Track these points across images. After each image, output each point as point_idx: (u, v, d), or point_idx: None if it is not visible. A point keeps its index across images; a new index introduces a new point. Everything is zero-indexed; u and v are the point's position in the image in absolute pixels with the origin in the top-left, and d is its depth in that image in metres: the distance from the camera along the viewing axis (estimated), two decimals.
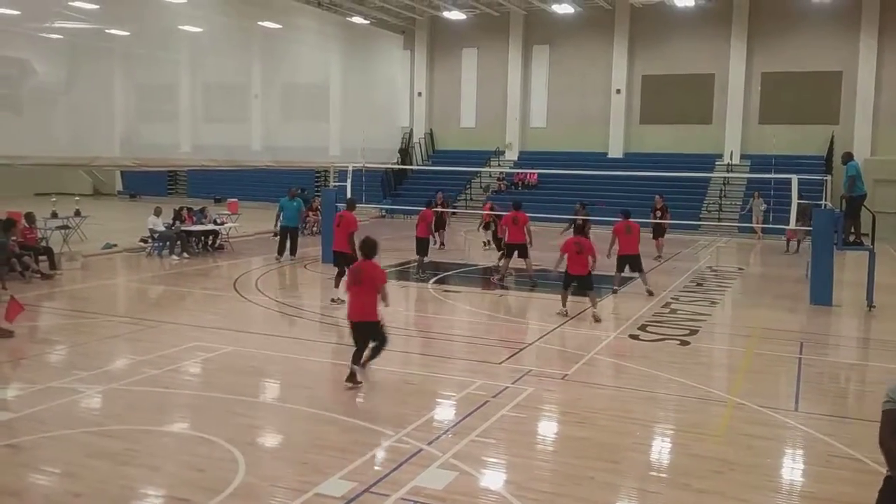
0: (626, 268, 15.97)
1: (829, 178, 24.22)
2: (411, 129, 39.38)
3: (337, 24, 30.11)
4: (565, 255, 13.59)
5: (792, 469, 7.27)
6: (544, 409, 8.64)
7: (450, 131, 39.43)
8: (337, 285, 14.08)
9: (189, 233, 20.77)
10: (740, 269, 20.83)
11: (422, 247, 18.21)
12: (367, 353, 9.04)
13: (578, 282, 13.44)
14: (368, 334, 9.04)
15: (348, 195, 19.88)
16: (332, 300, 14.08)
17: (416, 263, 18.25)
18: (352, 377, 9.03)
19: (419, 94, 39.60)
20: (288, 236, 20.10)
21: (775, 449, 7.60)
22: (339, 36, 29.11)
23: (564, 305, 13.52)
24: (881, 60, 31.08)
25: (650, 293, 15.57)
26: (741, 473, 6.81)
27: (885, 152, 30.57)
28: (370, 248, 9.26)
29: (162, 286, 17.02)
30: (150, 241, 20.64)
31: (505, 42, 37.42)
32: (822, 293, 14.94)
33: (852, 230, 15.35)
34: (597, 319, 13.02)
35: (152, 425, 7.78)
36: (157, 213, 20.45)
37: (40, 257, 17.06)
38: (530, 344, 11.62)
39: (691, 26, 33.79)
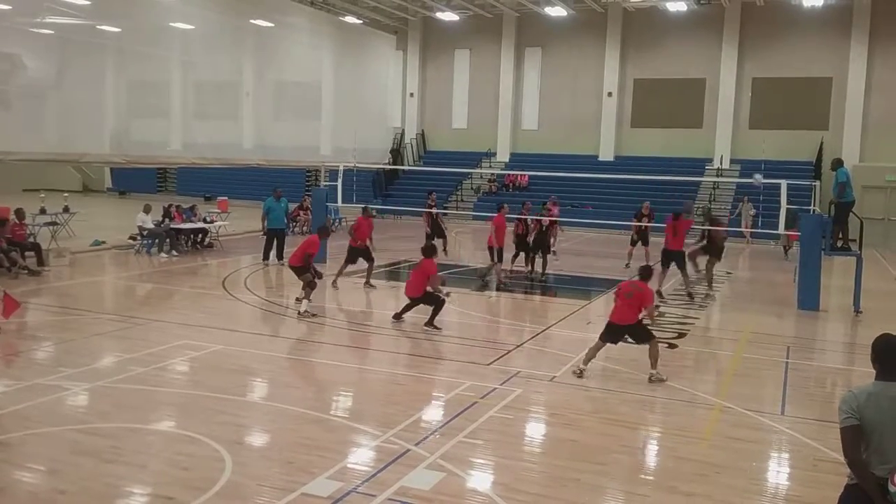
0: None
1: (818, 183, 24.32)
2: (403, 130, 39.37)
3: (330, 23, 30.04)
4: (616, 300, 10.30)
5: (778, 473, 7.31)
6: (532, 410, 8.65)
7: (441, 132, 39.44)
8: (308, 297, 13.21)
9: (178, 231, 20.69)
10: (728, 273, 20.90)
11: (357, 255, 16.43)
12: (430, 315, 12.34)
13: (628, 332, 10.07)
14: (418, 303, 12.52)
15: (339, 195, 19.89)
16: (299, 311, 13.20)
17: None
18: (398, 317, 12.75)
19: (411, 94, 39.59)
20: (275, 239, 19.24)
21: (762, 452, 7.64)
22: (332, 35, 29.04)
23: (586, 363, 10.03)
24: (871, 67, 31.28)
25: (690, 295, 15.70)
26: (728, 477, 6.84)
27: (874, 159, 30.78)
28: (429, 250, 12.87)
29: (150, 284, 16.94)
30: (139, 238, 20.55)
31: (497, 44, 37.46)
32: (809, 298, 15.02)
33: (840, 235, 15.44)
34: (658, 379, 9.80)
35: (138, 423, 7.75)
36: (147, 210, 20.35)
37: (27, 253, 16.95)
38: (519, 346, 11.63)
39: (683, 31, 33.92)
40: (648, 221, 20.46)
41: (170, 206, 21.61)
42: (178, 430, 7.61)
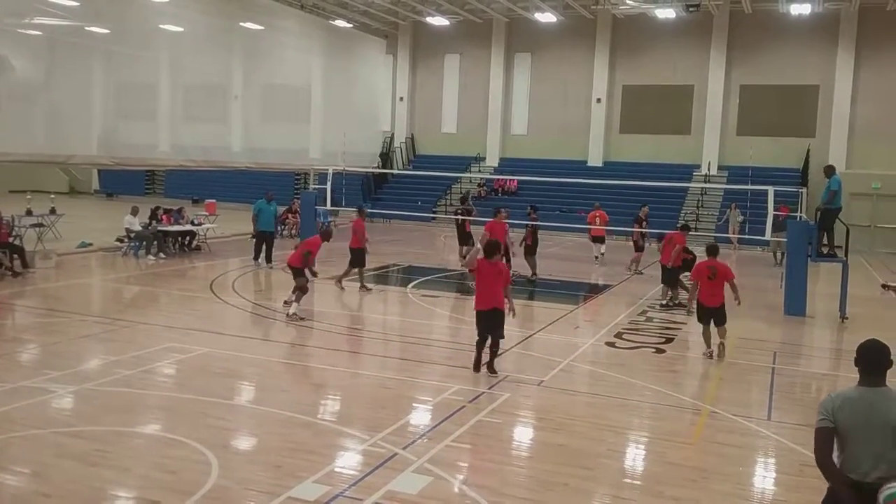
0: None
1: (804, 190, 24.44)
2: (392, 134, 39.36)
3: (319, 26, 30.02)
4: (698, 283, 11.53)
5: (764, 478, 7.33)
6: (520, 414, 8.65)
7: (431, 136, 39.44)
8: (298, 301, 13.22)
9: (166, 233, 20.59)
10: None
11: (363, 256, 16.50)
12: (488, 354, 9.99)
13: (713, 315, 11.34)
14: (494, 322, 9.87)
15: (328, 199, 19.90)
16: (288, 313, 13.20)
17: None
18: (490, 367, 10.00)
19: (401, 98, 39.59)
20: (264, 241, 19.15)
21: (748, 457, 7.67)
22: (322, 39, 29.03)
23: (709, 346, 11.45)
24: (858, 75, 31.51)
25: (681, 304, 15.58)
26: (714, 482, 6.86)
27: (860, 166, 30.98)
28: (493, 246, 10.25)
29: (137, 286, 16.86)
30: (126, 240, 20.44)
31: (487, 49, 37.52)
32: (795, 304, 15.10)
33: (825, 242, 15.53)
34: (720, 355, 11.36)
35: (124, 426, 7.70)
36: (134, 212, 20.24)
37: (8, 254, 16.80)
38: (507, 350, 11.61)
39: (672, 38, 34.07)
40: (645, 227, 20.49)
41: (156, 208, 21.50)
42: (164, 434, 7.57)
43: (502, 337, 10.03)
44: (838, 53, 31.58)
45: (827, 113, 32.05)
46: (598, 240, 22.48)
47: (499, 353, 10.09)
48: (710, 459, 7.38)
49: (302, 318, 12.98)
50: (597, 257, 22.44)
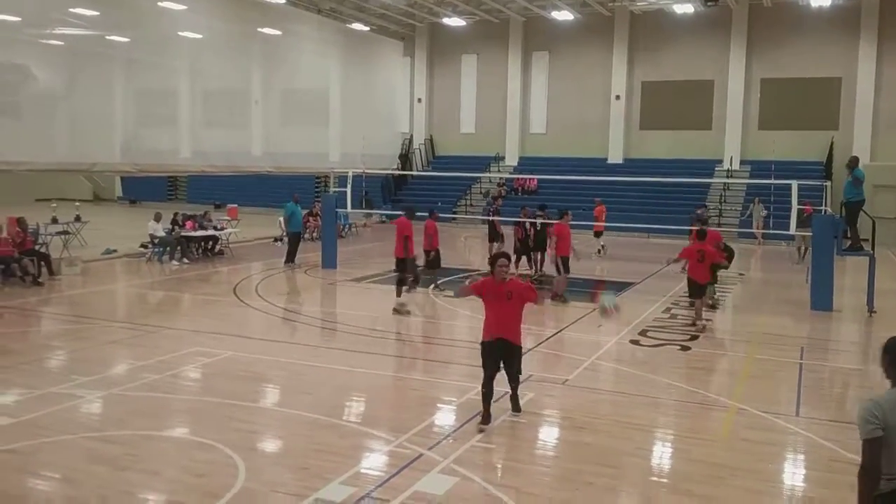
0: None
1: (829, 183, 24.15)
2: (411, 135, 39.43)
3: (337, 30, 30.18)
4: (686, 261, 13.52)
5: (793, 474, 7.25)
6: (545, 414, 8.62)
7: (450, 137, 39.45)
8: (398, 294, 14.15)
9: (189, 238, 20.77)
10: (741, 274, 20.79)
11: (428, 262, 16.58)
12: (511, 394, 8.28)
13: (701, 290, 13.08)
14: (504, 355, 8.00)
15: (348, 201, 19.97)
16: (396, 310, 13.89)
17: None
18: (514, 403, 8.28)
19: (419, 100, 39.64)
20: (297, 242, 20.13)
21: (777, 454, 7.59)
22: (340, 42, 29.17)
23: (700, 318, 13.18)
24: (880, 66, 31.11)
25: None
26: (742, 479, 6.79)
27: (885, 158, 30.58)
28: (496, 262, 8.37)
29: (162, 291, 17.00)
30: (150, 246, 20.63)
31: (504, 48, 37.48)
32: (822, 298, 14.93)
33: (847, 235, 15.33)
34: (702, 328, 12.90)
35: (152, 430, 7.76)
36: (158, 218, 20.45)
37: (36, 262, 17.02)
38: (531, 349, 11.58)
39: (691, 33, 33.85)
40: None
41: (176, 214, 21.68)
42: (191, 437, 7.63)
43: (519, 372, 8.14)
44: (860, 45, 31.20)
45: (850, 105, 31.68)
46: (599, 234, 23.44)
47: (520, 384, 8.31)
48: (738, 456, 7.31)
49: (408, 312, 13.91)
50: (599, 250, 23.03)
